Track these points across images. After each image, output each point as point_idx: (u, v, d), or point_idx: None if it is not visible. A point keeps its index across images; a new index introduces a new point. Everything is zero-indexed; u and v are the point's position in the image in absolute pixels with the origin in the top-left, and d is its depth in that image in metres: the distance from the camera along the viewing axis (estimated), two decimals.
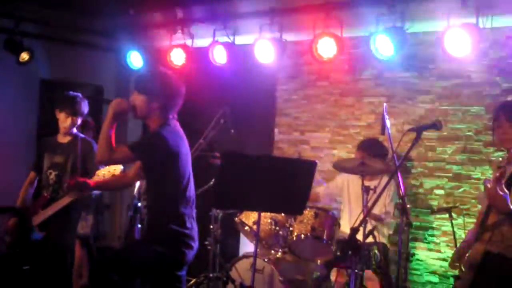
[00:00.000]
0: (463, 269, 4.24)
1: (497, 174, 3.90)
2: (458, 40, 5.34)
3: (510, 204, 3.87)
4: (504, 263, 4.01)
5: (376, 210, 5.66)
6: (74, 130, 5.47)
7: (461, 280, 4.25)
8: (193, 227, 4.19)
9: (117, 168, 4.86)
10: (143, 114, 4.16)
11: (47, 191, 5.34)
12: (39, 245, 5.27)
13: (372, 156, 5.64)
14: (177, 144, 4.11)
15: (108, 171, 4.88)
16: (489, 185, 4.02)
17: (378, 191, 4.37)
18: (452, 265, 4.43)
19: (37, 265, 5.35)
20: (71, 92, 5.47)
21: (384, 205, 5.82)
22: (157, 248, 4.04)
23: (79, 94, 5.48)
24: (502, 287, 4.04)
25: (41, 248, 5.27)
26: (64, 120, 5.37)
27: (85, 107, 5.46)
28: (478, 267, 4.12)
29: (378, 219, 5.70)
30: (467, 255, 4.25)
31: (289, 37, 6.63)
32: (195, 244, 4.22)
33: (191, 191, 4.23)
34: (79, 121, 5.45)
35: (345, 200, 6.16)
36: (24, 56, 7.59)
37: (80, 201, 5.28)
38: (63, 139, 5.46)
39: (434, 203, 6.22)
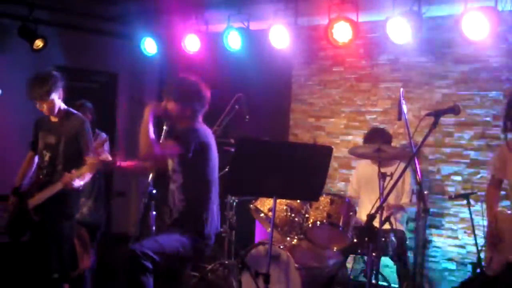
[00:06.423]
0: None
1: None
2: (476, 24, 5.27)
3: None
4: None
5: (391, 198, 5.60)
6: (62, 106, 5.08)
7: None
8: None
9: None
10: (176, 119, 4.48)
11: (42, 173, 5.11)
12: (35, 231, 5.09)
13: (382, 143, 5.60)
14: (206, 136, 4.44)
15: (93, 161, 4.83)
16: None
17: (394, 178, 4.30)
18: None
19: (34, 250, 5.09)
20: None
21: (401, 193, 5.77)
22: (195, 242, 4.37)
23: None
24: None
25: (36, 235, 5.08)
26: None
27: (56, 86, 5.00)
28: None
29: (399, 208, 5.67)
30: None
31: (304, 22, 6.57)
32: None
33: None
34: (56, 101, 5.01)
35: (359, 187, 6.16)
36: (38, 43, 7.59)
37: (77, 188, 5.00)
38: (54, 117, 5.11)
39: (452, 189, 6.15)
